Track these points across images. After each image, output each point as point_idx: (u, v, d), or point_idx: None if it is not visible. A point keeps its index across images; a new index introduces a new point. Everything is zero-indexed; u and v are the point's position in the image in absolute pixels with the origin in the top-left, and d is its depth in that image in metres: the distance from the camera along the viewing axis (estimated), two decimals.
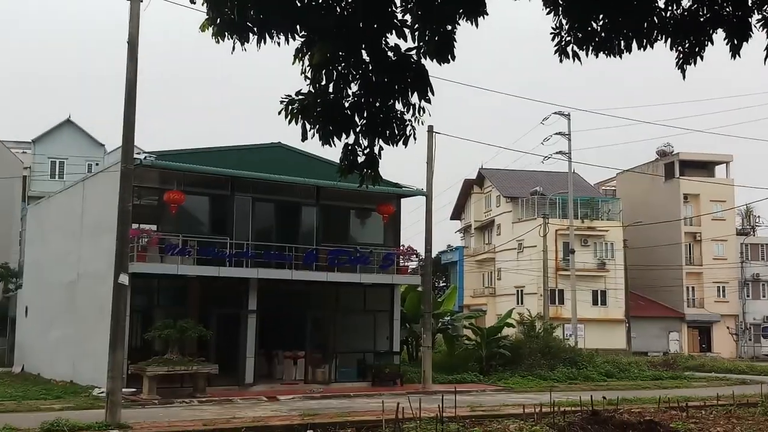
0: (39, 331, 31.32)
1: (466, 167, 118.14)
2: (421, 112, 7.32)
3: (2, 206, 45.21)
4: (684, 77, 7.80)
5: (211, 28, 6.93)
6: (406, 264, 29.40)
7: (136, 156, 21.45)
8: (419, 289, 32.71)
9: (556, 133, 45.12)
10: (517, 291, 57.35)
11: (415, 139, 7.56)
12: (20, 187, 49.40)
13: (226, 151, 26.39)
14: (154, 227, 25.38)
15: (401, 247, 29.19)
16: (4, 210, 45.50)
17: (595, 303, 55.96)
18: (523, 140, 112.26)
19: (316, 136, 7.37)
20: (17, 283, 38.19)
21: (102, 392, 21.73)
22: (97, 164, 51.39)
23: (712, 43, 7.72)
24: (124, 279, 17.22)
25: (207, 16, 6.94)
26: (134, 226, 23.03)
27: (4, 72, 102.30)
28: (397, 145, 7.48)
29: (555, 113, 44.68)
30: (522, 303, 53.95)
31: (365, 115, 7.35)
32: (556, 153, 44.96)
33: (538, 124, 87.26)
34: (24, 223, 43.48)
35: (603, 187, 70.22)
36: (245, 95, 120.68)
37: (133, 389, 22.63)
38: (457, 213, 71.97)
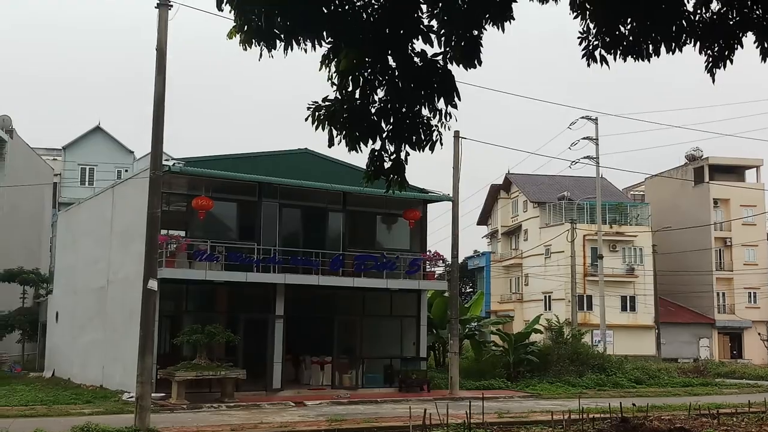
0: (69, 337, 31.68)
1: (493, 172, 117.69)
2: (448, 118, 7.32)
3: (33, 212, 45.82)
4: (713, 81, 7.73)
5: (238, 36, 6.98)
6: (432, 269, 29.34)
7: (164, 162, 21.67)
8: (446, 294, 32.63)
9: (584, 138, 44.83)
10: (545, 297, 57.00)
11: (441, 144, 7.57)
12: (51, 194, 50.10)
13: (253, 158, 26.54)
14: (182, 233, 25.57)
15: (428, 253, 29.14)
16: (35, 216, 46.10)
17: (623, 309, 55.45)
18: (550, 145, 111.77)
19: (343, 142, 7.40)
20: (48, 289, 38.68)
21: (131, 397, 21.92)
22: (126, 171, 51.97)
23: (742, 47, 7.65)
24: (153, 284, 17.37)
25: (234, 24, 7.00)
26: (163, 232, 23.22)
27: (35, 79, 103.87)
28: (423, 151, 7.49)
29: (582, 117, 44.41)
30: (550, 309, 53.60)
31: (392, 120, 7.37)
32: (584, 158, 44.66)
33: (565, 128, 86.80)
34: (54, 229, 44.06)
35: (631, 192, 69.62)
36: (266, 103, 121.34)
37: (162, 394, 22.80)
38: (484, 218, 71.75)
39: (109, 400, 23.38)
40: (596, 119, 44.72)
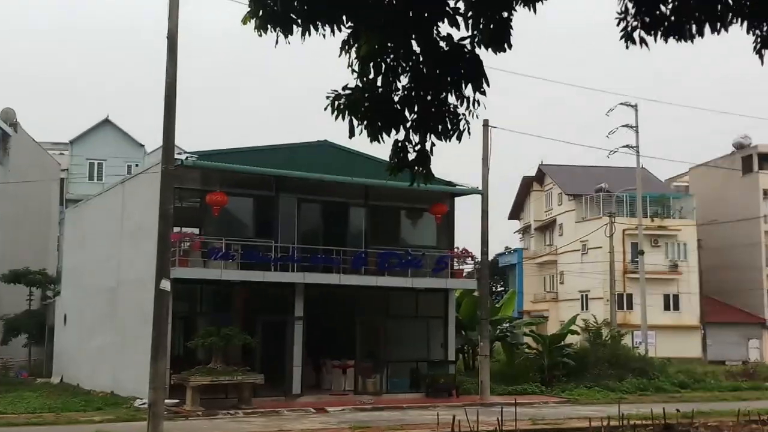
0: (78, 340, 32.03)
1: (524, 164, 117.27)
2: (476, 105, 7.29)
3: (39, 210, 46.20)
4: (762, 62, 7.64)
5: (253, 21, 7.00)
6: (460, 267, 29.30)
7: (177, 156, 21.77)
8: (475, 293, 32.58)
9: (622, 126, 44.51)
10: (582, 296, 56.73)
11: (469, 133, 7.54)
12: (58, 190, 50.56)
13: (270, 150, 26.64)
14: (196, 230, 25.76)
15: (455, 250, 29.11)
16: (41, 213, 46.47)
17: (666, 308, 55.03)
18: (586, 134, 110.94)
19: (364, 132, 7.40)
20: (56, 290, 39.06)
21: (143, 403, 22.12)
22: (136, 165, 52.32)
23: None
24: (165, 285, 17.51)
25: (249, 8, 7.02)
26: (176, 229, 23.41)
27: (41, 74, 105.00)
28: (449, 141, 7.47)
29: (621, 104, 44.11)
30: (587, 308, 53.33)
31: (416, 109, 7.36)
32: (623, 147, 44.38)
33: (602, 116, 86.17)
34: (62, 227, 44.49)
35: (674, 183, 68.98)
36: (281, 96, 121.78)
37: (176, 400, 22.99)
38: (516, 212, 71.51)
39: (121, 407, 23.63)
40: (636, 105, 44.39)
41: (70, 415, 21.72)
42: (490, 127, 28.65)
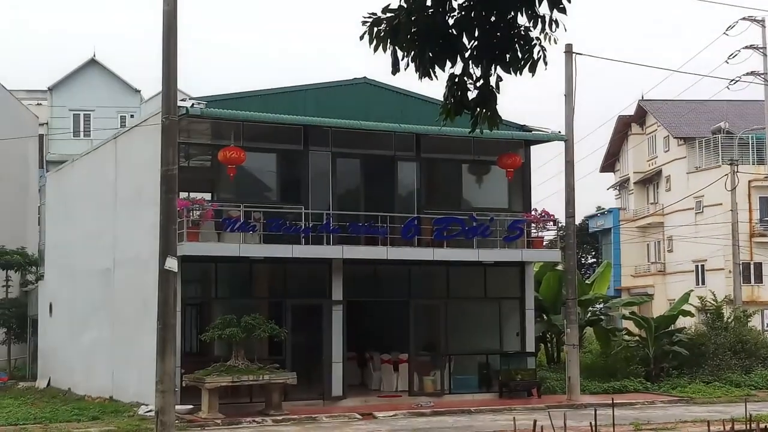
0: (68, 335, 32.66)
1: (620, 101, 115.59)
2: (554, 27, 7.23)
3: (14, 174, 45.96)
4: None
5: None
6: (540, 234, 29.15)
7: (181, 103, 21.94)
8: (559, 267, 32.43)
9: (746, 47, 43.58)
10: (696, 267, 56.13)
11: (546, 63, 7.48)
12: (36, 149, 50.85)
13: (296, 93, 26.66)
14: (207, 196, 25.97)
15: (533, 213, 28.96)
16: (16, 179, 46.21)
17: None
18: (698, 59, 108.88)
19: (412, 66, 7.38)
20: (38, 274, 39.63)
21: (150, 411, 22.53)
22: (132, 116, 52.83)
23: None
24: (172, 264, 17.74)
25: None
26: (183, 195, 23.60)
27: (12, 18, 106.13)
28: (521, 74, 7.42)
29: (743, 19, 43.14)
30: (703, 283, 52.74)
31: (476, 34, 7.32)
32: (746, 74, 43.47)
33: (719, 35, 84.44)
34: (43, 195, 44.98)
35: None
36: (304, 28, 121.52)
37: (190, 406, 23.38)
38: (610, 163, 70.73)
39: (122, 415, 24.10)
40: (763, 21, 43.39)
41: (61, 427, 22.20)
42: (574, 54, 28.30)
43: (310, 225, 25.58)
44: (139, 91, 56.53)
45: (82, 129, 54.45)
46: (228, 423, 22.49)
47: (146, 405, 23.86)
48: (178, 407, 20.30)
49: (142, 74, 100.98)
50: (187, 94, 35.61)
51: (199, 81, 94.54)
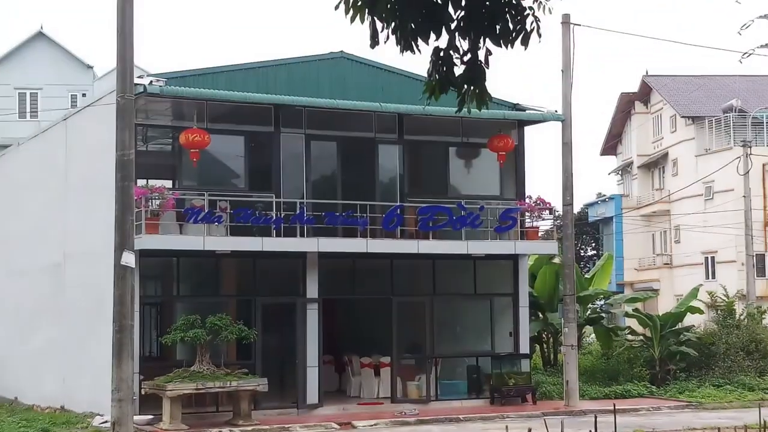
0: (13, 338, 32.52)
1: (622, 80, 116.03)
2: None
3: None
4: None
5: None
6: (535, 224, 29.21)
7: (138, 81, 21.81)
8: (556, 260, 32.45)
9: (761, 17, 43.73)
10: (706, 259, 56.46)
11: (539, 35, 7.46)
12: None
13: (266, 69, 26.60)
14: (168, 184, 25.88)
15: (527, 200, 29.00)
16: None
17: None
18: (707, 31, 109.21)
19: (392, 39, 7.35)
20: None
21: (105, 422, 22.46)
22: (83, 95, 52.67)
23: None
24: (128, 259, 17.68)
25: None
26: (141, 182, 23.51)
27: None
28: (512, 47, 7.40)
29: None
30: (713, 277, 53.07)
31: (463, 3, 7.29)
32: (761, 46, 43.60)
33: (731, 3, 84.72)
34: None
35: None
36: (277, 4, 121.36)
37: (150, 416, 23.32)
38: (611, 146, 71.03)
39: (74, 426, 24.01)
40: None
41: None
42: (572, 26, 28.31)
43: (282, 215, 25.51)
44: (92, 68, 56.31)
45: (28, 109, 54.21)
46: None
47: (101, 415, 23.79)
48: (136, 418, 20.24)
49: (94, 49, 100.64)
50: (144, 70, 35.40)
51: (158, 56, 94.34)
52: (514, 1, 7.28)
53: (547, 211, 29.55)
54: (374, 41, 7.37)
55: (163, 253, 24.73)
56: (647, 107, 65.32)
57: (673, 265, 60.39)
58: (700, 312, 34.89)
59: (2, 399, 31.29)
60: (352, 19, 7.30)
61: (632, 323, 36.32)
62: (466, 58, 7.51)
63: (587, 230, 73.93)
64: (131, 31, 18.13)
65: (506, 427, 18.19)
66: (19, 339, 31.97)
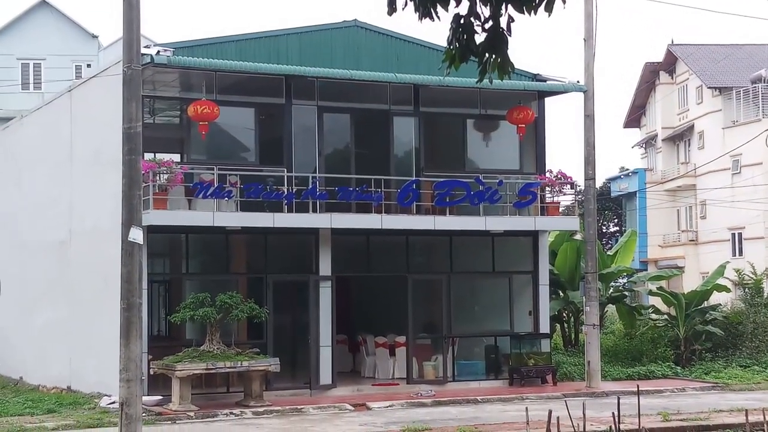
0: (18, 316, 32.68)
1: (646, 49, 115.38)
2: None
3: None
4: None
5: None
6: (555, 200, 29.16)
7: (145, 51, 21.80)
8: (577, 237, 32.43)
9: None
10: (733, 235, 56.30)
11: (564, 1, 7.41)
12: None
13: (277, 38, 26.54)
14: (176, 157, 25.90)
15: (547, 175, 28.94)
16: None
17: None
18: None
19: (410, 5, 7.32)
20: None
21: (113, 402, 22.56)
22: (88, 66, 52.60)
23: None
24: (136, 235, 17.69)
25: None
26: (148, 156, 23.54)
27: None
28: (535, 13, 7.35)
29: None
30: (740, 254, 52.95)
31: None
32: None
33: None
34: None
35: None
36: None
37: (158, 397, 23.42)
38: (635, 118, 70.71)
39: (82, 407, 24.12)
40: None
41: (13, 421, 22.20)
42: None
43: (294, 190, 25.52)
44: (97, 37, 56.25)
45: (31, 80, 54.20)
46: (202, 416, 22.51)
47: (109, 396, 23.90)
48: (145, 398, 20.32)
49: (100, 18, 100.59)
50: (152, 40, 35.44)
51: (165, 26, 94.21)
52: None
53: (568, 186, 29.44)
54: (392, 8, 7.34)
55: (172, 229, 24.77)
56: (672, 78, 64.97)
57: (698, 241, 60.22)
58: (727, 290, 34.84)
59: (7, 379, 31.48)
60: None
61: (656, 302, 36.27)
62: (487, 26, 7.48)
63: (610, 205, 73.72)
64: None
65: (526, 408, 18.23)
66: (24, 318, 32.12)
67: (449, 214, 27.07)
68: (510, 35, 7.54)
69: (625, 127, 72.52)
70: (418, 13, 7.33)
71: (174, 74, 25.54)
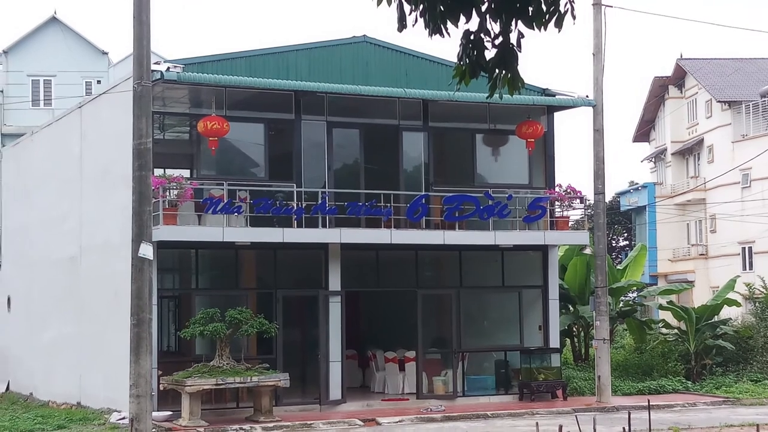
0: (28, 332, 32.70)
1: (655, 63, 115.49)
2: None
3: None
4: None
5: None
6: (565, 214, 29.15)
7: (155, 67, 21.88)
8: (587, 251, 32.38)
9: None
10: (743, 249, 56.18)
11: (573, 17, 7.43)
12: None
13: (286, 54, 26.59)
14: (186, 173, 25.96)
15: (556, 189, 28.94)
16: None
17: None
18: (744, 12, 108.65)
19: (420, 22, 7.33)
20: None
21: (123, 418, 22.58)
22: (99, 82, 52.72)
23: None
24: (146, 251, 17.73)
25: None
26: (158, 172, 23.58)
27: None
28: (545, 29, 7.36)
29: None
30: (751, 268, 52.80)
31: None
32: None
33: None
34: None
35: None
36: None
37: (168, 412, 23.41)
38: (644, 132, 70.69)
39: (91, 423, 24.15)
40: None
41: None
42: (603, 7, 28.17)
43: (303, 205, 25.55)
44: (107, 54, 56.40)
45: (42, 97, 54.34)
46: (212, 431, 22.52)
47: (119, 412, 23.91)
48: (154, 414, 20.34)
49: (110, 34, 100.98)
50: (161, 56, 35.56)
51: (175, 42, 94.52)
52: None
53: (578, 200, 29.42)
54: (402, 24, 7.36)
55: (182, 244, 24.82)
56: (681, 92, 64.93)
57: (708, 255, 60.09)
58: (738, 304, 34.77)
59: (18, 395, 31.50)
60: (379, 2, 7.28)
61: (666, 316, 36.20)
62: (497, 42, 7.49)
63: (619, 219, 73.63)
64: (148, 16, 18.16)
65: (536, 423, 18.20)
66: (34, 333, 32.14)
67: (458, 228, 27.06)
68: (520, 51, 7.55)
69: (634, 141, 72.50)
70: (428, 30, 7.34)
71: (184, 90, 25.61)
